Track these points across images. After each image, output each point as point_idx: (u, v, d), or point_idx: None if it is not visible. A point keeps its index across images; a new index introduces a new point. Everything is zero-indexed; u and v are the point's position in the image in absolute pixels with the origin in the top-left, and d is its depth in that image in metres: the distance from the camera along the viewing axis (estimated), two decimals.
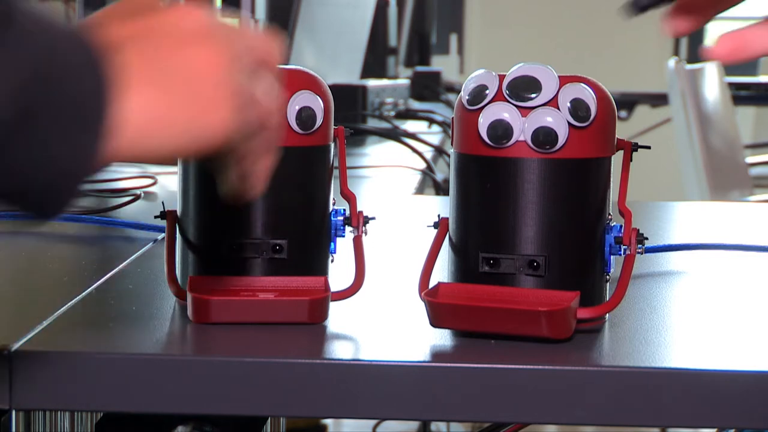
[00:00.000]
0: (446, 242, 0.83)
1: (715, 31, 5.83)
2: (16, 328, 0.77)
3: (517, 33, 6.21)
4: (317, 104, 0.84)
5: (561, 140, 0.79)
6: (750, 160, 4.16)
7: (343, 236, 0.87)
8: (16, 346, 0.72)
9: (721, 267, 1.05)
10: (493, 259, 0.80)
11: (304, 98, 0.84)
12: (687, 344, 0.80)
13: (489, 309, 0.77)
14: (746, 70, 5.61)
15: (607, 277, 0.82)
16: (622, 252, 0.82)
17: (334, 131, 0.87)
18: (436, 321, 0.78)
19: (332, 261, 0.87)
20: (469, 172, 0.81)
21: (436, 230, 0.84)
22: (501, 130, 0.79)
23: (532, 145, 0.79)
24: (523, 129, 0.79)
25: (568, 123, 0.79)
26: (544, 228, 0.80)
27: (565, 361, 0.73)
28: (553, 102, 0.79)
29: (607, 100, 0.81)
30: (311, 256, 0.85)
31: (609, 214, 0.82)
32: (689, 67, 3.73)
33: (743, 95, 4.61)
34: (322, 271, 0.86)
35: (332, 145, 0.86)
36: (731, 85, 4.26)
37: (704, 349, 0.78)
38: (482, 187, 0.81)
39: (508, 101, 0.79)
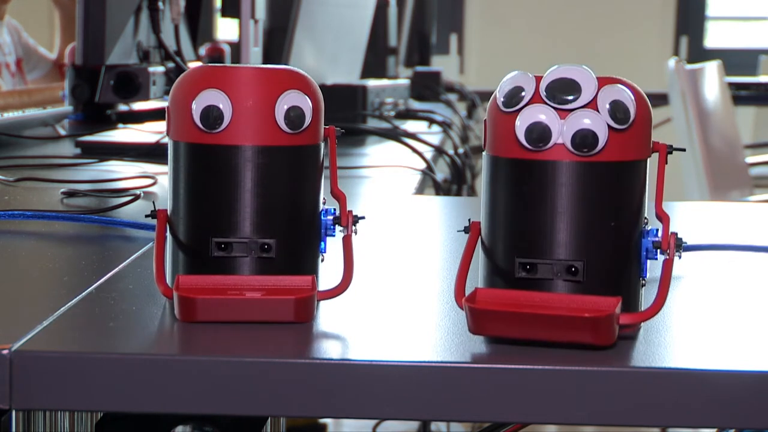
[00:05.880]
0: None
1: (715, 31, 5.83)
2: (16, 328, 0.77)
3: (517, 33, 6.21)
4: (306, 104, 0.84)
5: (601, 143, 0.77)
6: (750, 160, 4.16)
7: (333, 236, 0.86)
8: (16, 346, 0.72)
9: (721, 267, 1.05)
10: (530, 264, 0.78)
11: (293, 98, 0.84)
12: (687, 344, 0.80)
13: (533, 315, 0.74)
14: (746, 70, 5.61)
15: (643, 282, 0.81)
16: (657, 256, 0.80)
17: (325, 131, 0.87)
18: (476, 328, 0.75)
19: (322, 260, 0.87)
20: (505, 176, 0.79)
21: (466, 235, 0.82)
22: (539, 133, 0.77)
23: (571, 148, 0.77)
24: (561, 131, 0.77)
25: (608, 125, 0.77)
26: (582, 232, 0.78)
27: (565, 361, 0.73)
28: (592, 104, 0.77)
29: (644, 101, 0.79)
30: (300, 256, 0.85)
31: (645, 218, 0.81)
32: (689, 67, 3.73)
33: (743, 95, 4.61)
34: (311, 270, 0.85)
35: (322, 145, 0.86)
36: (731, 85, 4.26)
37: (704, 349, 0.78)
38: (519, 191, 0.78)
39: (546, 103, 0.77)
